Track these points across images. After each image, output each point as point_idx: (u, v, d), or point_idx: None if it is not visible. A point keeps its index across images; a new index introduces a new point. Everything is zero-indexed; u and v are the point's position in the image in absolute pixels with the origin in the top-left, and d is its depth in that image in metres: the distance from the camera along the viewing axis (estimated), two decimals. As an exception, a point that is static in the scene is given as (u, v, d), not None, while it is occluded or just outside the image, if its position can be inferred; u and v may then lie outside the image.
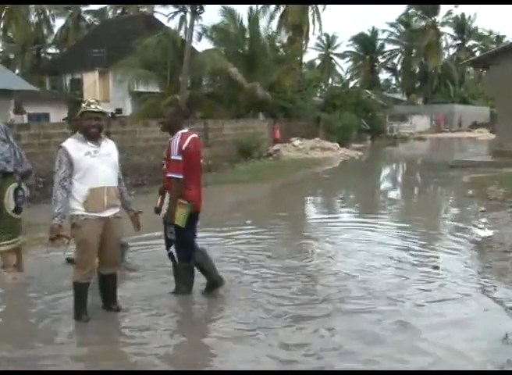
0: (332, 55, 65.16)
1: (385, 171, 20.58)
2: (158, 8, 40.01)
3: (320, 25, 41.77)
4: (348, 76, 64.03)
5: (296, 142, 23.79)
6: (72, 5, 44.36)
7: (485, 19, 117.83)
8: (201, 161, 5.14)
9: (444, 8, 58.40)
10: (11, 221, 5.48)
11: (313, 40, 59.25)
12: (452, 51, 65.49)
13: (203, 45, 48.06)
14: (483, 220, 8.70)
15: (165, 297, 4.94)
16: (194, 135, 4.93)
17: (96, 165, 4.25)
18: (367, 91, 39.34)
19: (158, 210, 4.91)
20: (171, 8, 32.60)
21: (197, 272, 5.02)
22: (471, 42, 64.99)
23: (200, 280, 5.05)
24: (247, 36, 26.22)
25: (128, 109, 28.63)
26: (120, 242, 4.82)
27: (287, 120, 26.42)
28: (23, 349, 3.91)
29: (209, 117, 22.03)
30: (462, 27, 62.63)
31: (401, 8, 66.94)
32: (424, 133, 44.96)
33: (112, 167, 4.39)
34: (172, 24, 37.60)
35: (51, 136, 13.14)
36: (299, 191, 13.48)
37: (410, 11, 59.58)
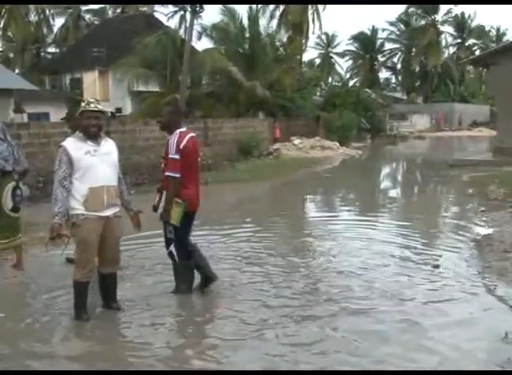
0: (331, 54, 65.14)
1: (386, 170, 20.58)
2: (157, 7, 40.04)
3: (320, 24, 41.86)
4: (348, 75, 64.02)
5: (296, 141, 23.79)
6: (72, 5, 44.34)
7: (485, 17, 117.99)
8: (199, 160, 5.14)
9: (444, 7, 58.42)
10: (8, 220, 5.50)
11: (313, 39, 59.13)
12: (452, 49, 65.59)
13: (203, 44, 48.12)
14: (483, 219, 8.69)
15: (165, 296, 4.93)
16: (192, 134, 4.94)
17: (96, 164, 4.25)
18: (367, 89, 39.32)
19: (155, 208, 4.96)
20: (171, 8, 32.60)
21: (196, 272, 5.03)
22: (470, 41, 65.02)
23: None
24: (247, 35, 26.22)
25: (128, 108, 28.63)
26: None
27: (287, 119, 26.40)
28: (23, 349, 3.91)
29: (209, 116, 22.03)
30: (462, 26, 62.62)
31: (401, 7, 66.83)
32: (424, 132, 44.94)
33: (111, 166, 4.39)
34: (172, 23, 37.66)
35: (51, 135, 13.13)
36: (299, 190, 13.48)
37: (410, 10, 59.61)
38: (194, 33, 23.84)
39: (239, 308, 4.63)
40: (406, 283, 5.33)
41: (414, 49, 60.18)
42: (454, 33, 63.51)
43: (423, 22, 59.11)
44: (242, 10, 56.03)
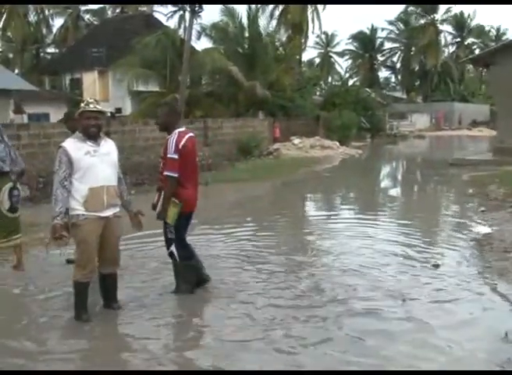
0: (331, 54, 65.15)
1: (385, 169, 20.57)
2: (157, 7, 40.02)
3: (319, 23, 41.78)
4: (347, 74, 64.00)
5: (296, 141, 23.79)
6: (72, 5, 44.33)
7: (484, 17, 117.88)
8: (197, 160, 5.16)
9: (443, 6, 58.42)
10: (5, 221, 5.52)
11: (312, 38, 59.18)
12: (451, 48, 65.58)
13: (202, 44, 48.09)
14: (483, 218, 8.69)
15: (165, 296, 4.93)
16: (191, 134, 4.96)
17: (96, 164, 4.25)
18: (366, 89, 39.26)
19: (154, 206, 4.96)
20: (170, 8, 32.62)
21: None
22: (470, 40, 65.00)
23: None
24: (247, 34, 26.22)
25: (128, 109, 28.63)
26: None
27: (287, 119, 26.40)
28: (21, 349, 3.91)
29: (209, 116, 22.03)
30: (461, 25, 62.61)
31: (400, 7, 66.81)
32: (423, 131, 44.93)
33: (111, 166, 4.39)
34: (172, 23, 37.60)
35: (50, 136, 13.12)
36: (299, 190, 13.48)
37: (409, 9, 59.60)
38: (194, 33, 23.90)
39: (241, 308, 4.61)
40: (409, 282, 5.32)
41: (413, 48, 60.19)
42: (453, 32, 63.56)
43: (422, 21, 59.13)
44: (241, 10, 56.04)
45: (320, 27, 45.63)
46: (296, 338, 4.00)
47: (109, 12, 47.41)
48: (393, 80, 68.76)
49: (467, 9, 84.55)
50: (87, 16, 47.92)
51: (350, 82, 44.52)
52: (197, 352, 3.89)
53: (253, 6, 26.84)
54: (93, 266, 4.39)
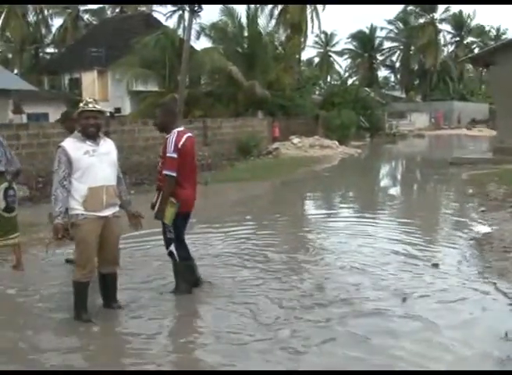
0: (330, 53, 65.13)
1: (385, 169, 20.56)
2: (156, 7, 40.06)
3: (319, 23, 41.73)
4: (347, 73, 64.00)
5: (296, 140, 23.77)
6: (71, 5, 44.32)
7: (484, 16, 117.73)
8: (196, 160, 5.15)
9: (442, 5, 58.41)
10: (1, 220, 5.53)
11: (311, 37, 59.15)
12: (450, 48, 65.59)
13: (201, 44, 47.97)
14: (483, 217, 8.69)
15: (165, 295, 4.92)
16: (190, 134, 4.96)
17: (95, 164, 4.24)
18: (365, 88, 39.26)
19: (153, 206, 4.94)
20: (169, 7, 32.64)
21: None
22: (469, 39, 65.01)
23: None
24: (246, 34, 26.20)
25: (127, 108, 28.63)
26: None
27: (286, 118, 26.39)
28: (20, 348, 3.90)
29: (208, 116, 22.03)
30: (460, 24, 62.62)
31: (400, 6, 66.76)
32: (423, 130, 44.90)
33: (110, 166, 4.38)
34: (171, 23, 37.46)
35: (50, 136, 13.13)
36: (299, 189, 13.47)
37: (408, 8, 59.60)
38: (193, 33, 23.90)
39: (243, 308, 4.58)
40: (412, 281, 5.31)
41: (412, 47, 60.20)
42: (453, 32, 63.56)
43: (421, 20, 59.13)
44: (241, 9, 56.01)
45: (319, 27, 45.51)
46: (301, 338, 3.97)
47: (108, 12, 47.45)
48: (392, 79, 68.87)
49: (466, 9, 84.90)
50: (86, 16, 48.00)
51: (350, 81, 44.60)
52: (197, 352, 3.88)
53: (252, 6, 26.86)
54: (92, 266, 4.38)
